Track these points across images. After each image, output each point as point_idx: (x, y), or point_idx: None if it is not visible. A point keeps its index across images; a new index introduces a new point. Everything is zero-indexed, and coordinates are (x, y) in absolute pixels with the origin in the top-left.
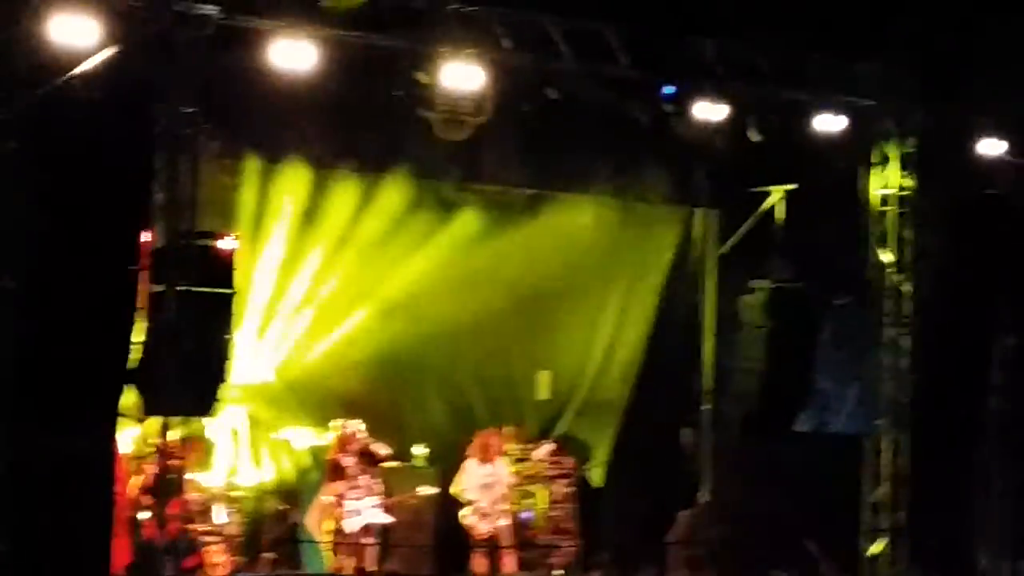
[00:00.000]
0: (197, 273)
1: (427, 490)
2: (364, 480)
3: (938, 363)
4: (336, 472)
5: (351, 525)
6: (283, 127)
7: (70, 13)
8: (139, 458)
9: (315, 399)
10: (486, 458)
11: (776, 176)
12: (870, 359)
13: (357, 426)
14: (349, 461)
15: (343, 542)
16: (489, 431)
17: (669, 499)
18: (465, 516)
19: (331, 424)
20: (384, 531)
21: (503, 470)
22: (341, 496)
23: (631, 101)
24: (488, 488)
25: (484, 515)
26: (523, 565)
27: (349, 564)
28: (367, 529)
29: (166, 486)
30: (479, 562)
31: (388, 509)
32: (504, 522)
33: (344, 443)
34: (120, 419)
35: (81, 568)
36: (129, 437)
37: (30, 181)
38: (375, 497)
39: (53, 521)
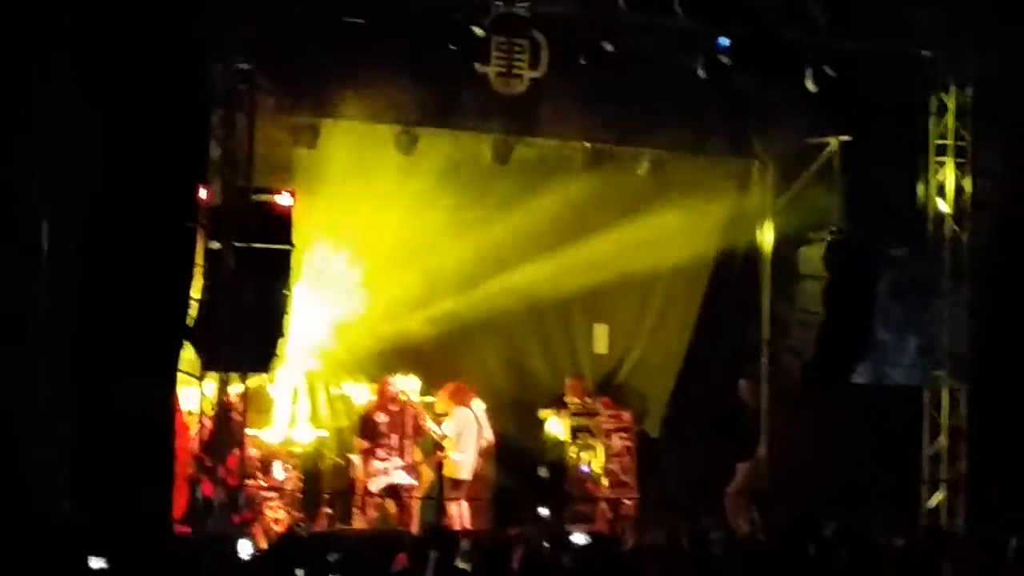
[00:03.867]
0: (254, 229)
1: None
2: (395, 440)
3: (997, 313)
4: (367, 428)
5: (375, 484)
6: (339, 82)
7: None
8: (199, 414)
9: (374, 354)
10: (463, 401)
11: (833, 127)
12: (928, 310)
13: (407, 384)
14: (383, 419)
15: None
16: (454, 382)
17: (727, 451)
18: (449, 463)
19: (373, 382)
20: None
21: (476, 412)
22: (370, 452)
23: (687, 53)
24: (469, 433)
25: (465, 461)
26: (581, 518)
27: (371, 520)
28: (391, 489)
29: (224, 442)
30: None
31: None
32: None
33: (383, 400)
34: (180, 375)
35: (141, 522)
36: (189, 393)
37: (88, 137)
38: (399, 458)
39: (115, 476)
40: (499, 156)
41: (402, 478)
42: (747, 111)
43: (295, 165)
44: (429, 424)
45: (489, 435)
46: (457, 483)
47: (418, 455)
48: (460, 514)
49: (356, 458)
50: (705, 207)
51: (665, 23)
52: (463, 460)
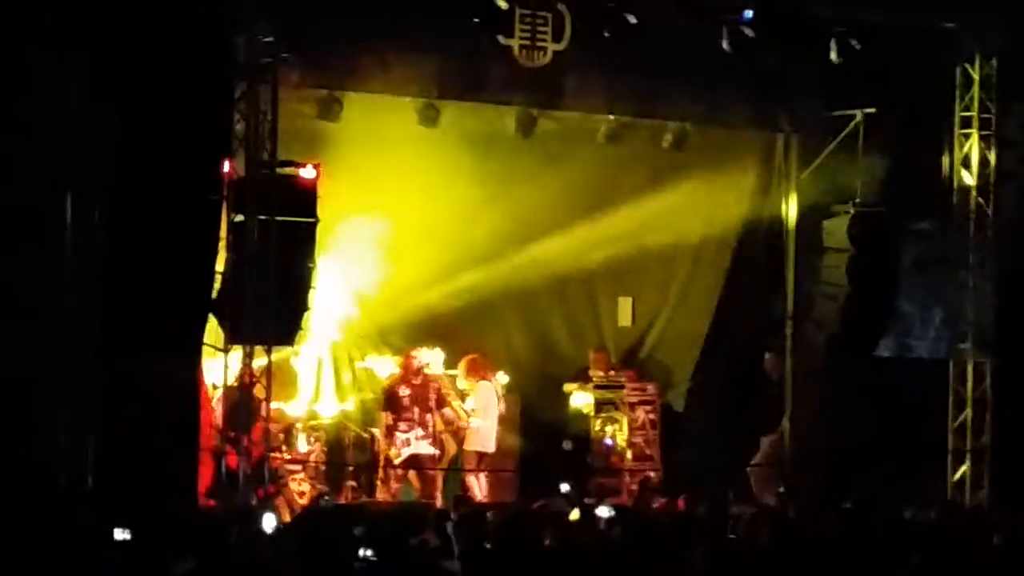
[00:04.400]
0: (279, 202)
1: None
2: (417, 413)
3: (1022, 286)
4: (391, 401)
5: (398, 457)
6: (363, 55)
7: None
8: (223, 387)
9: (398, 327)
10: (481, 375)
11: (858, 99)
12: (953, 283)
13: (431, 357)
14: (406, 392)
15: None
16: (471, 354)
17: (752, 424)
18: (472, 436)
19: (395, 355)
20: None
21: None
22: (392, 426)
23: (711, 26)
24: (491, 406)
25: (488, 434)
26: (606, 490)
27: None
28: (414, 459)
29: (248, 414)
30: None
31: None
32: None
33: (406, 373)
34: (204, 348)
35: (167, 494)
36: (213, 367)
37: (111, 112)
38: (421, 429)
39: (140, 449)
40: (523, 129)
41: (425, 449)
42: (771, 83)
43: (319, 138)
44: (452, 402)
45: (502, 407)
46: (481, 456)
47: (440, 426)
48: (480, 486)
49: (379, 431)
50: (729, 179)
51: None
52: (486, 433)
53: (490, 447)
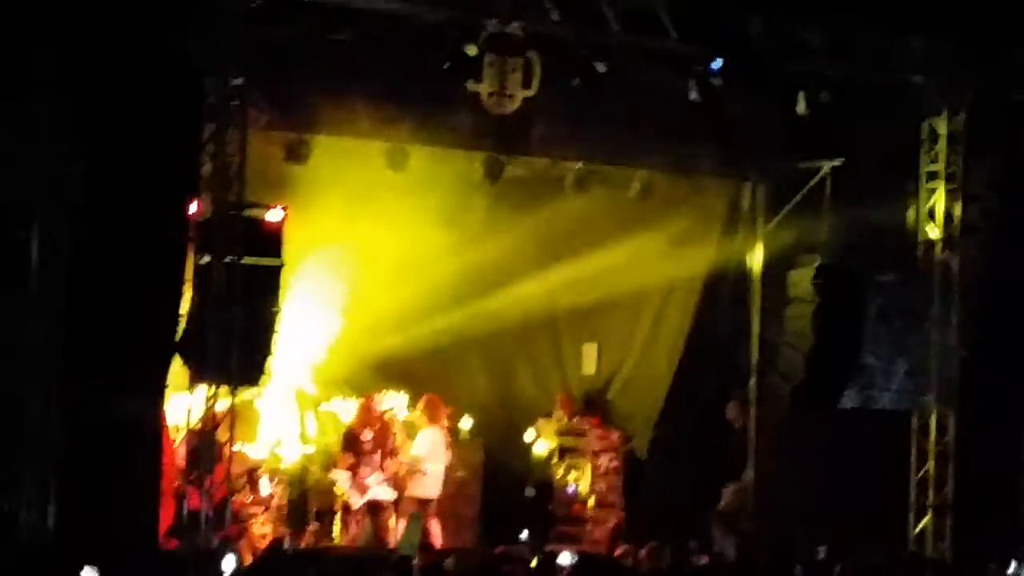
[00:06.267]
0: (244, 244)
1: None
2: (378, 457)
3: (985, 339)
4: (352, 444)
5: (357, 501)
6: (330, 99)
7: None
8: (186, 428)
9: (362, 371)
10: (435, 418)
11: (824, 151)
12: (917, 335)
13: (394, 401)
14: (367, 436)
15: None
16: (429, 395)
17: (714, 473)
18: (414, 482)
19: (358, 397)
20: (428, 505)
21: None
22: (353, 470)
23: (680, 75)
24: (440, 452)
25: (431, 480)
26: (567, 538)
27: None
28: (372, 506)
29: (211, 456)
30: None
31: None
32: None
33: (368, 417)
34: (167, 389)
35: (128, 536)
36: (176, 408)
37: (77, 150)
38: (381, 473)
39: (101, 489)
40: (491, 174)
41: (384, 494)
42: (739, 133)
43: (287, 181)
44: (401, 453)
45: (449, 455)
46: (424, 502)
47: (397, 470)
48: (434, 533)
49: (341, 474)
50: (695, 229)
51: (658, 45)
52: (428, 479)
53: (432, 492)
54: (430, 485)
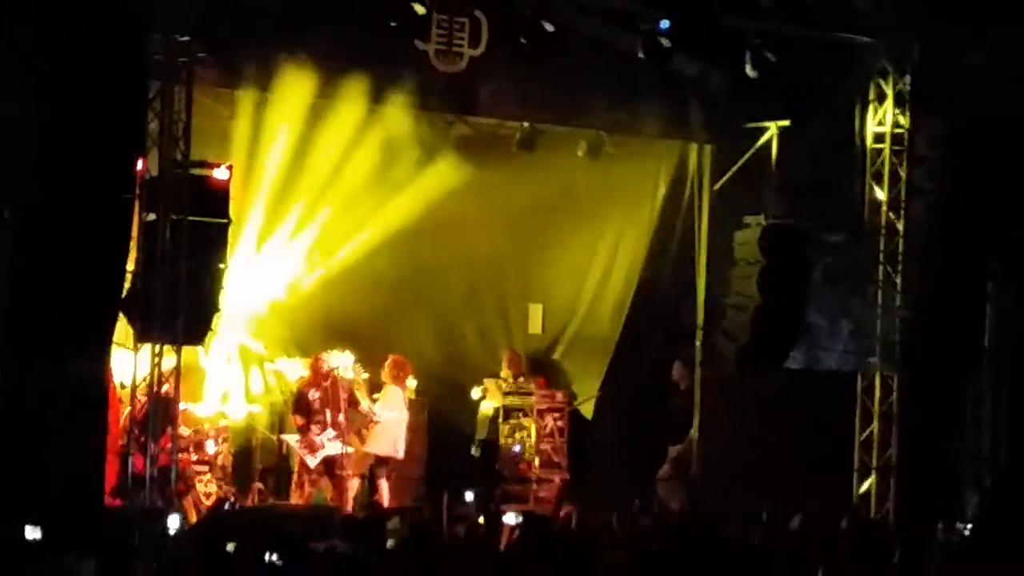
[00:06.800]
0: (191, 203)
1: None
2: (328, 415)
3: (930, 301)
4: (300, 404)
5: (311, 460)
6: (277, 57)
7: None
8: (131, 387)
9: (308, 330)
10: (399, 379)
11: (771, 112)
12: (862, 297)
13: (341, 360)
14: (315, 395)
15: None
16: (394, 355)
17: (660, 434)
18: (375, 440)
19: (305, 357)
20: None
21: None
22: (304, 428)
23: (627, 35)
24: (400, 412)
25: (391, 438)
26: (513, 498)
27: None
28: (328, 461)
29: (158, 415)
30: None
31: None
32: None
33: (315, 376)
34: (113, 346)
35: (73, 495)
36: (121, 366)
37: (23, 109)
38: (333, 429)
39: (46, 448)
40: (437, 133)
41: (337, 448)
42: (686, 94)
43: (232, 138)
44: (362, 400)
45: (407, 415)
46: (384, 460)
47: (355, 424)
48: (383, 491)
49: (291, 436)
50: (642, 189)
51: (605, 4)
52: (390, 437)
53: (396, 453)
54: (388, 443)
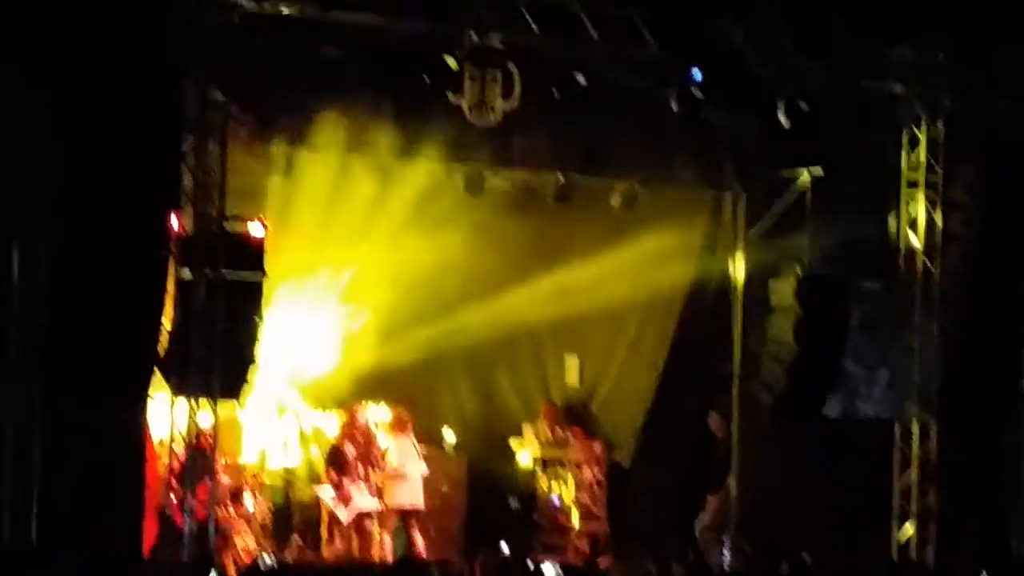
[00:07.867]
0: (226, 258)
1: None
2: (363, 470)
3: (967, 347)
4: (336, 459)
5: (344, 514)
6: (311, 113)
7: None
8: (169, 442)
9: (344, 385)
10: (402, 430)
11: (806, 159)
12: (899, 344)
13: (373, 414)
14: (351, 449)
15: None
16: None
17: (698, 483)
18: (392, 492)
19: (338, 409)
20: (413, 516)
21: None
22: (338, 484)
23: (660, 86)
24: (411, 462)
25: (409, 490)
26: (551, 548)
27: (347, 550)
28: (360, 516)
29: (196, 470)
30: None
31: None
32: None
33: (351, 430)
34: (150, 400)
35: (112, 551)
36: (159, 422)
37: (61, 162)
38: (365, 484)
39: (85, 504)
40: (472, 186)
41: (369, 504)
42: (719, 143)
43: (268, 194)
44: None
45: (423, 466)
46: (407, 512)
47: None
48: (417, 544)
49: (326, 489)
50: (677, 239)
51: (638, 56)
52: (407, 487)
53: (413, 501)
54: (409, 494)
